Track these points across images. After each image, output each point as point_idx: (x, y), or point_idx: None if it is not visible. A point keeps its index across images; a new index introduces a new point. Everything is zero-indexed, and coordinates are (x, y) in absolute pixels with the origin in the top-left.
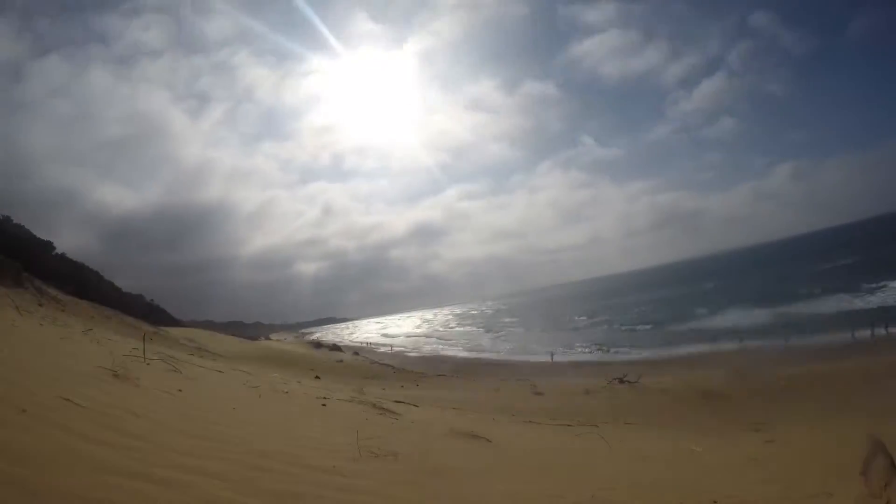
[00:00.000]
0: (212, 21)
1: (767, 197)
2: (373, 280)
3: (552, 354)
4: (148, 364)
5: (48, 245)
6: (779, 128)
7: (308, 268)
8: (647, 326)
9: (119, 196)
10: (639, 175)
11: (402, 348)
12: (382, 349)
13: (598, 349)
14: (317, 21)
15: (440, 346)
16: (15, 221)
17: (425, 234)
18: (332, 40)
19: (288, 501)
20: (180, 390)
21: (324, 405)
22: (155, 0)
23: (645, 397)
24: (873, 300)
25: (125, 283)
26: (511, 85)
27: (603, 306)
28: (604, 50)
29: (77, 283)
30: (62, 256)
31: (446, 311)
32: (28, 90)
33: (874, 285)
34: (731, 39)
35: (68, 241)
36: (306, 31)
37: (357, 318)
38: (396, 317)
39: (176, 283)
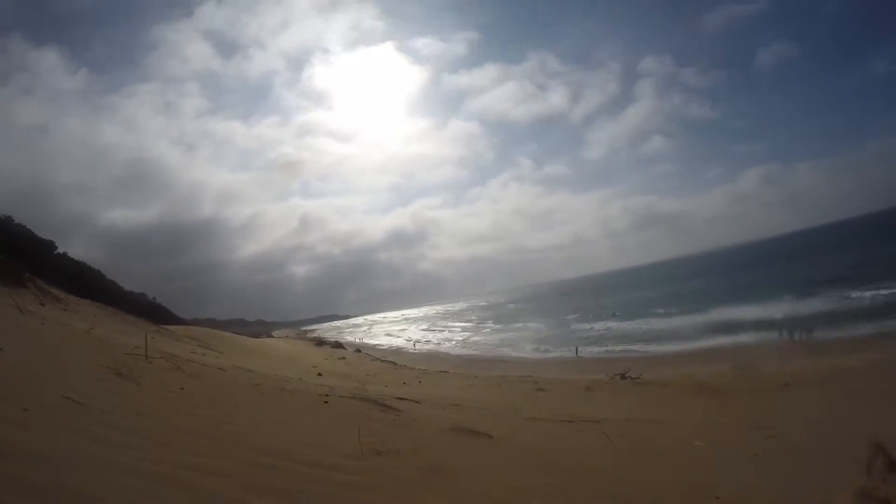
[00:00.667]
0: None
1: (741, 199)
2: (366, 280)
3: (577, 349)
4: (150, 362)
5: (50, 244)
6: (718, 142)
7: (299, 270)
8: (647, 322)
9: (124, 216)
10: (595, 185)
11: (403, 345)
12: (384, 346)
13: (601, 340)
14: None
15: (441, 343)
16: (16, 221)
17: (404, 238)
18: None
19: (291, 498)
20: (182, 388)
21: (326, 402)
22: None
23: (646, 393)
24: (872, 297)
25: (130, 286)
26: (441, 124)
27: (601, 303)
28: (505, 100)
29: (79, 282)
30: (64, 256)
31: (444, 307)
32: (49, 143)
33: (871, 284)
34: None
35: (81, 253)
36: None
37: (357, 315)
38: (395, 313)
39: (177, 286)
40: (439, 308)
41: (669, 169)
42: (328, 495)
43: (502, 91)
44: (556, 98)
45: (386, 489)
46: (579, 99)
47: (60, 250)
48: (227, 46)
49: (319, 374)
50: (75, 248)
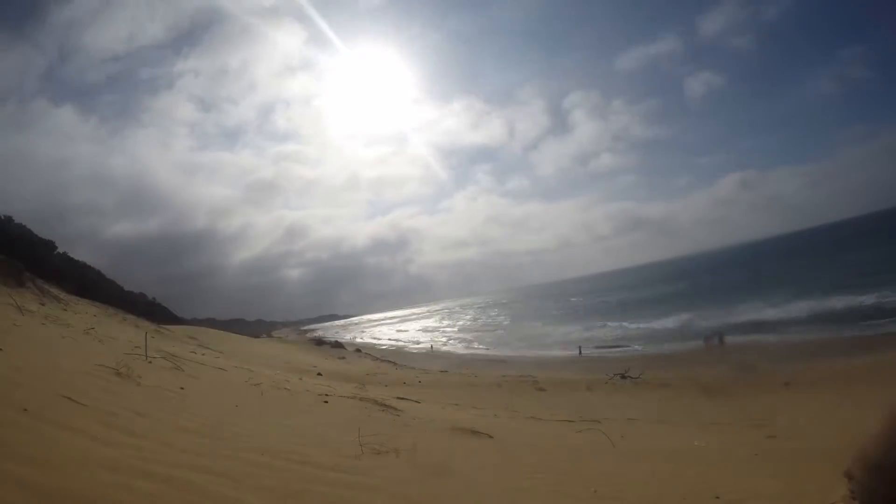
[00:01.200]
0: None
1: (723, 203)
2: (358, 282)
3: (580, 348)
4: (150, 362)
5: (50, 244)
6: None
7: (292, 273)
8: (646, 322)
9: (128, 228)
10: (566, 195)
11: (404, 345)
12: (384, 346)
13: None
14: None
15: (441, 343)
16: (17, 221)
17: (389, 244)
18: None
19: (290, 498)
20: (182, 388)
21: (326, 402)
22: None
23: (647, 392)
24: (872, 298)
25: (130, 287)
26: (399, 148)
27: (598, 304)
28: (450, 131)
29: (79, 282)
30: (64, 255)
31: (440, 306)
32: (65, 173)
33: (870, 286)
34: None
35: (90, 260)
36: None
37: (356, 315)
38: (392, 313)
39: (177, 289)
40: (434, 307)
41: (636, 180)
42: (328, 495)
43: (445, 124)
44: (494, 130)
45: (386, 489)
46: (514, 131)
47: (60, 250)
48: (206, 105)
49: (319, 374)
50: (85, 256)
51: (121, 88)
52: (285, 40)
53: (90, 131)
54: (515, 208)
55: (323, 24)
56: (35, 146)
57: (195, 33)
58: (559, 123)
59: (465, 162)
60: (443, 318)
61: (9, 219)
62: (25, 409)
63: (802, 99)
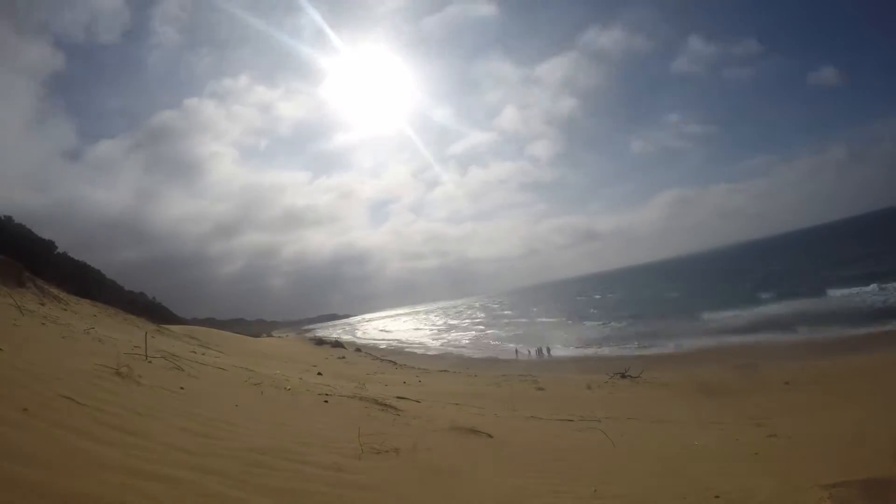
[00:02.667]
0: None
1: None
2: (342, 286)
3: (517, 350)
4: (150, 362)
5: (50, 244)
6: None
7: (277, 281)
8: (644, 322)
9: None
10: (493, 216)
11: (404, 344)
12: (384, 346)
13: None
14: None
15: (441, 342)
16: (17, 221)
17: (356, 255)
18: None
19: (290, 498)
20: (182, 388)
21: (326, 402)
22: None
23: (646, 392)
24: (872, 299)
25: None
26: (312, 179)
27: (593, 302)
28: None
29: (79, 281)
30: (64, 255)
31: (434, 306)
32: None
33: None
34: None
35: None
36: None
37: (355, 315)
38: (388, 312)
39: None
40: (421, 308)
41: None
42: (328, 494)
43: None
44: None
45: (386, 488)
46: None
47: (60, 250)
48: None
49: (319, 374)
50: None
51: None
52: None
53: None
54: (454, 227)
55: None
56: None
57: None
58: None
59: (378, 204)
60: (443, 318)
61: (9, 219)
62: (25, 409)
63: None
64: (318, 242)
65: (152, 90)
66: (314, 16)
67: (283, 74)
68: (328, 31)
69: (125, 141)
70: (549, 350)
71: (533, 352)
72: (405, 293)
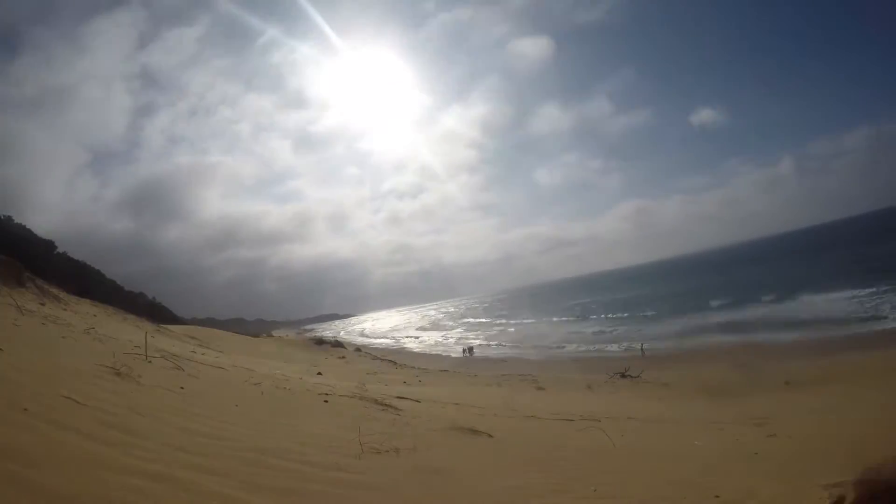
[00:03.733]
0: None
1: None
2: (335, 289)
3: (468, 349)
4: (150, 362)
5: (50, 244)
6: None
7: (269, 286)
8: (645, 321)
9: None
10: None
11: (404, 344)
12: (384, 345)
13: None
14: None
15: (441, 342)
16: (17, 221)
17: (334, 265)
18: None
19: (291, 498)
20: (182, 388)
21: (326, 401)
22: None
23: (647, 391)
24: (871, 298)
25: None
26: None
27: (589, 303)
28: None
29: (79, 281)
30: (64, 255)
31: (431, 306)
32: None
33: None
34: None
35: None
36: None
37: (354, 315)
38: (384, 313)
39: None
40: (425, 307)
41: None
42: (328, 494)
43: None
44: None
45: (386, 488)
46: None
47: (60, 250)
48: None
49: (319, 373)
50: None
51: None
52: None
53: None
54: (422, 238)
55: None
56: None
57: None
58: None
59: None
60: (441, 318)
61: (9, 218)
62: (25, 409)
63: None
64: (300, 254)
65: None
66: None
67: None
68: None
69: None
70: (471, 350)
71: (467, 351)
72: (403, 293)
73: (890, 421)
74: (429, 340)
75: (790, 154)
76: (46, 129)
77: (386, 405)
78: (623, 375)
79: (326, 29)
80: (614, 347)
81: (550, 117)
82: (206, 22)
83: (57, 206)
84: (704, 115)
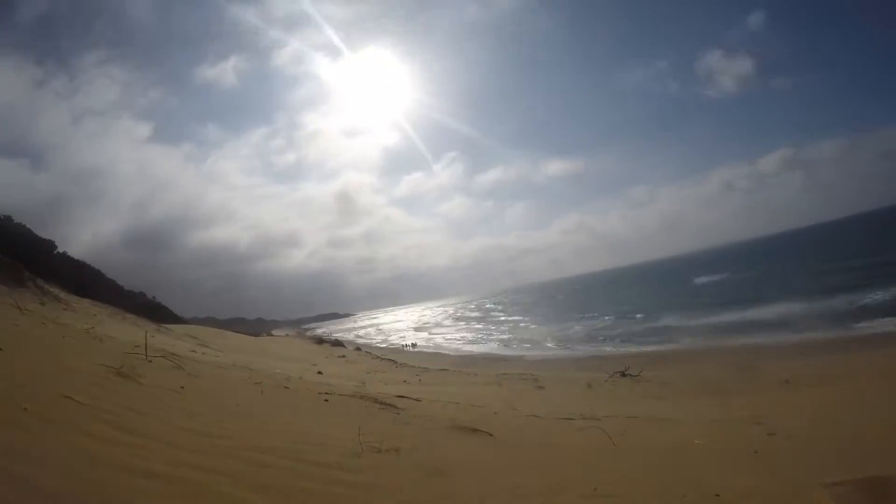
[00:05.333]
0: None
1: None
2: (326, 291)
3: (412, 344)
4: (150, 361)
5: (50, 244)
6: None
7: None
8: (644, 320)
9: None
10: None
11: (403, 343)
12: (383, 344)
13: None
14: None
15: (441, 341)
16: (16, 221)
17: (315, 272)
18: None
19: (291, 497)
20: (183, 387)
21: (326, 401)
22: None
23: (647, 390)
24: (870, 298)
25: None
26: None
27: (589, 303)
28: None
29: (79, 281)
30: (64, 255)
31: (425, 306)
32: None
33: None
34: None
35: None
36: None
37: (354, 314)
38: (382, 312)
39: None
40: (421, 307)
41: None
42: (329, 493)
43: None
44: None
45: (386, 487)
46: None
47: (60, 250)
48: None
49: (319, 373)
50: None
51: None
52: None
53: None
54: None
55: None
56: None
57: None
58: None
59: None
60: (439, 318)
61: (8, 218)
62: (25, 409)
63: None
64: (285, 262)
65: None
66: None
67: None
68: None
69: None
70: (413, 345)
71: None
72: (401, 294)
73: (890, 420)
74: (449, 336)
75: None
76: None
77: (386, 404)
78: (623, 374)
79: None
80: (614, 347)
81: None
82: None
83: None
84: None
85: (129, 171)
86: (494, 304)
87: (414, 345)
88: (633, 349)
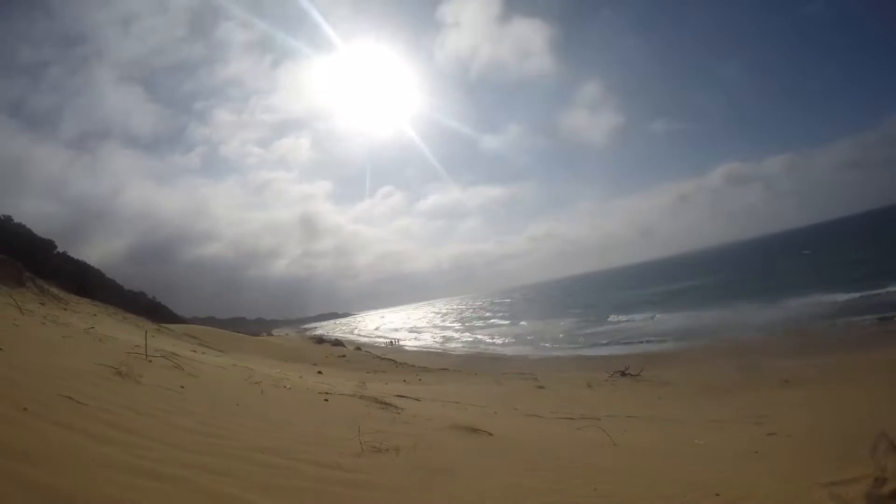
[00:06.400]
0: None
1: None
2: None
3: (394, 341)
4: (150, 361)
5: (50, 244)
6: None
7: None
8: (644, 320)
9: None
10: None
11: (403, 343)
12: (384, 344)
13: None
14: None
15: (441, 341)
16: (16, 221)
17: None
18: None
19: (291, 497)
20: (182, 387)
21: (326, 400)
22: None
23: (647, 390)
24: (869, 298)
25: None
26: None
27: (588, 303)
28: None
29: (79, 281)
30: (64, 255)
31: (414, 306)
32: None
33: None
34: None
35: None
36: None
37: (357, 313)
38: (380, 311)
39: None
40: (418, 307)
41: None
42: (328, 493)
43: None
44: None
45: (386, 487)
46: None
47: (60, 250)
48: None
49: (319, 372)
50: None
51: None
52: None
53: None
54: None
55: None
56: None
57: None
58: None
59: None
60: (439, 318)
61: (8, 218)
62: (25, 409)
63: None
64: (270, 270)
65: None
66: None
67: None
68: None
69: None
70: (397, 341)
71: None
72: (395, 294)
73: (890, 419)
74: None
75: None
76: None
77: (386, 404)
78: (623, 374)
79: None
80: (615, 347)
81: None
82: None
83: None
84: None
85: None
86: (490, 304)
87: (397, 341)
88: (632, 349)
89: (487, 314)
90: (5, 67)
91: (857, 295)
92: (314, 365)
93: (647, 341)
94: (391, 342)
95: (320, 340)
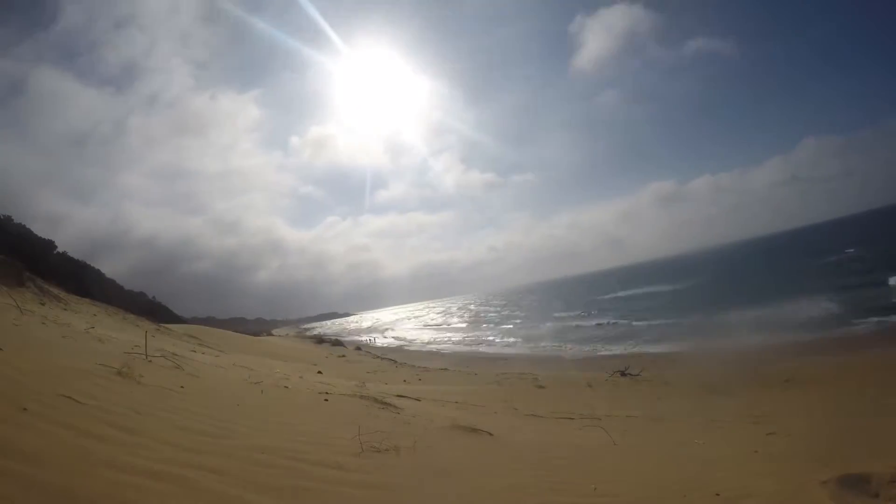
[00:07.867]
0: None
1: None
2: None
3: (373, 339)
4: (150, 361)
5: (50, 244)
6: None
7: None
8: (646, 321)
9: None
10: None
11: (403, 342)
12: (384, 344)
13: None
14: None
15: (441, 340)
16: (16, 221)
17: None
18: None
19: (291, 496)
20: (182, 387)
21: (326, 400)
22: None
23: (647, 390)
24: (868, 298)
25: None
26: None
27: (587, 303)
28: None
29: (79, 281)
30: (64, 255)
31: (421, 305)
32: None
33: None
34: None
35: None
36: None
37: (355, 313)
38: (379, 311)
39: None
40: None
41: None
42: (328, 493)
43: None
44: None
45: (386, 487)
46: None
47: (60, 250)
48: None
49: (319, 372)
50: None
51: None
52: None
53: None
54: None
55: None
56: None
57: None
58: None
59: None
60: (439, 317)
61: (8, 218)
62: (25, 409)
63: None
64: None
65: None
66: None
67: None
68: None
69: None
70: (375, 339)
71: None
72: (388, 296)
73: (889, 418)
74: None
75: None
76: None
77: (386, 404)
78: (623, 374)
79: None
80: (614, 346)
81: None
82: None
83: None
84: None
85: None
86: (487, 304)
87: (374, 339)
88: (632, 349)
89: (487, 314)
90: None
91: (856, 296)
92: (314, 365)
93: (647, 341)
94: (369, 340)
95: (320, 340)
